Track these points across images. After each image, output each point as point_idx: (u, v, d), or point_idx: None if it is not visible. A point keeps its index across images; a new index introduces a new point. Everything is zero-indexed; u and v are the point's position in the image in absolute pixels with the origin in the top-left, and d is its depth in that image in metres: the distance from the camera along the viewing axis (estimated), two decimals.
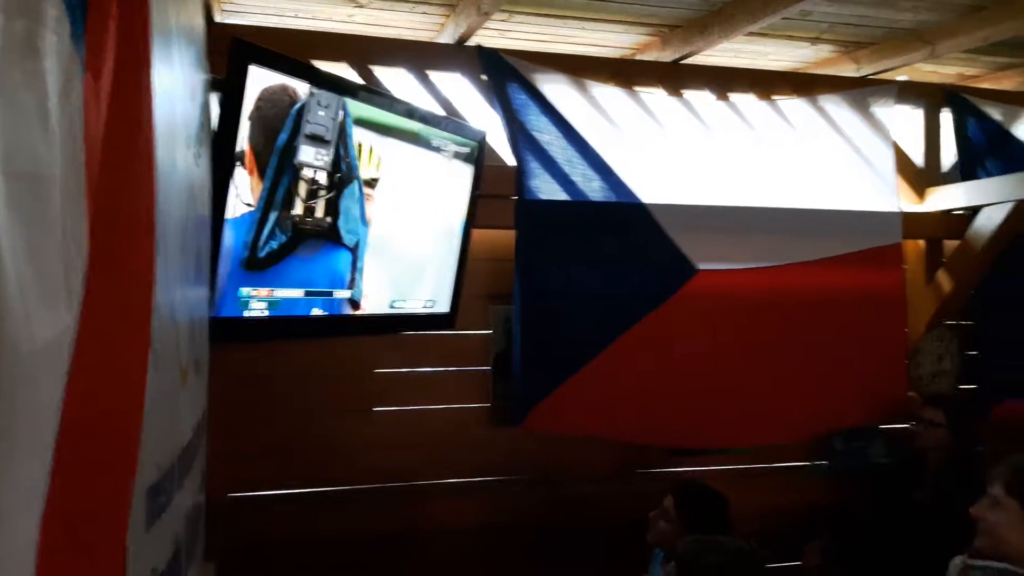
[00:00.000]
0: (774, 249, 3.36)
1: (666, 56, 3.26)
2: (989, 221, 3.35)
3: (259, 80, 2.09)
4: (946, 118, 3.74)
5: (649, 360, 3.20)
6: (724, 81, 3.39)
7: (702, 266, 3.25)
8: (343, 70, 2.91)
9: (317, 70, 2.52)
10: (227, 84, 2.05)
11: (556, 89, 3.17)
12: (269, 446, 2.89)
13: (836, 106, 3.49)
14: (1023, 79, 3.73)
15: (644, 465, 3.31)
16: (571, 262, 3.13)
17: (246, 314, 2.20)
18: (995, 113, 3.75)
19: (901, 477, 3.23)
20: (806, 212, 3.39)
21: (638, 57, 3.33)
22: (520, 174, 3.10)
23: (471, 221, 2.98)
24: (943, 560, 2.07)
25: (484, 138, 2.98)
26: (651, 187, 3.22)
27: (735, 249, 3.31)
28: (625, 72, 3.29)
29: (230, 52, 2.03)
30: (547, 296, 3.09)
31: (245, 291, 2.17)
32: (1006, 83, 3.79)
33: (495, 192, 3.09)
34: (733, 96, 3.41)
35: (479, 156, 2.95)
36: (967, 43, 3.14)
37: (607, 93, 3.25)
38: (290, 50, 2.30)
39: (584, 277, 3.15)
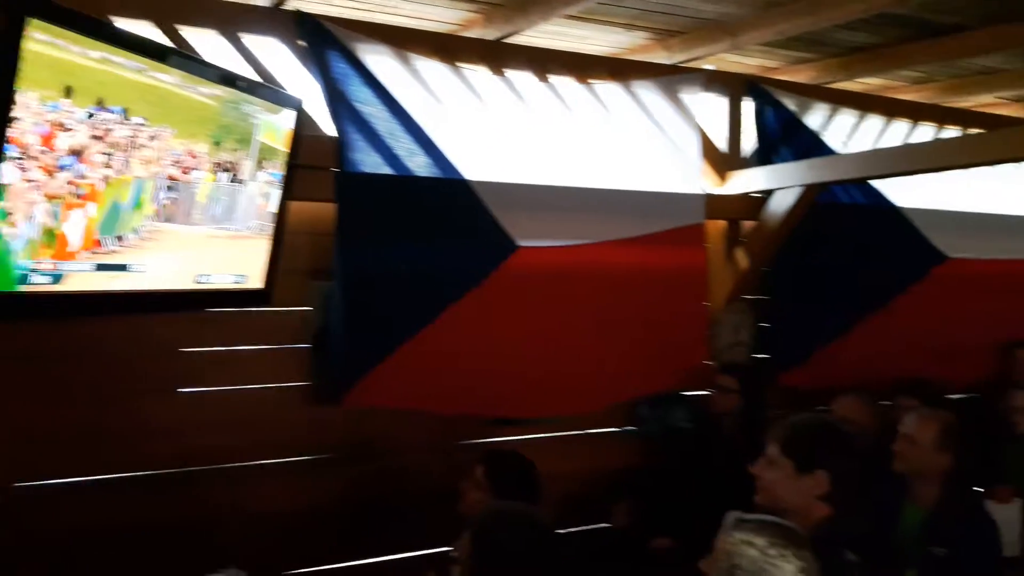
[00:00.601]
0: (589, 227, 3.50)
1: (489, 34, 3.29)
2: (781, 204, 3.65)
3: None
4: (748, 106, 4.02)
5: (472, 334, 3.24)
6: (544, 62, 3.46)
7: (522, 243, 3.33)
8: (147, 29, 2.71)
9: (114, 28, 2.35)
10: (1, 39, 1.87)
11: (378, 60, 3.12)
12: (62, 431, 2.68)
13: (648, 92, 3.66)
14: (815, 73, 4.06)
15: (465, 437, 3.37)
16: (393, 237, 3.10)
17: (28, 289, 2.03)
18: (790, 104, 4.07)
19: (700, 440, 3.49)
20: (619, 193, 3.56)
21: (462, 34, 3.34)
22: (340, 145, 3.03)
23: (287, 193, 2.89)
24: None
25: (301, 106, 2.89)
26: (474, 164, 3.25)
27: (553, 227, 3.42)
28: (449, 48, 3.29)
29: (5, 3, 1.86)
30: (368, 271, 3.05)
31: (26, 262, 2.00)
32: (801, 76, 4.11)
33: (314, 163, 3.01)
34: (553, 78, 3.49)
35: (296, 125, 2.86)
36: (766, 36, 3.38)
37: (431, 68, 3.23)
38: (86, 6, 2.11)
39: (406, 253, 3.13)
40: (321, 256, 3.06)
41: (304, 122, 2.93)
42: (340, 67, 3.05)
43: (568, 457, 3.51)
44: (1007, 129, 4.25)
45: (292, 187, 2.90)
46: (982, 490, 2.87)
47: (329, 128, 3.06)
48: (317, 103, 3.03)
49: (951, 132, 4.61)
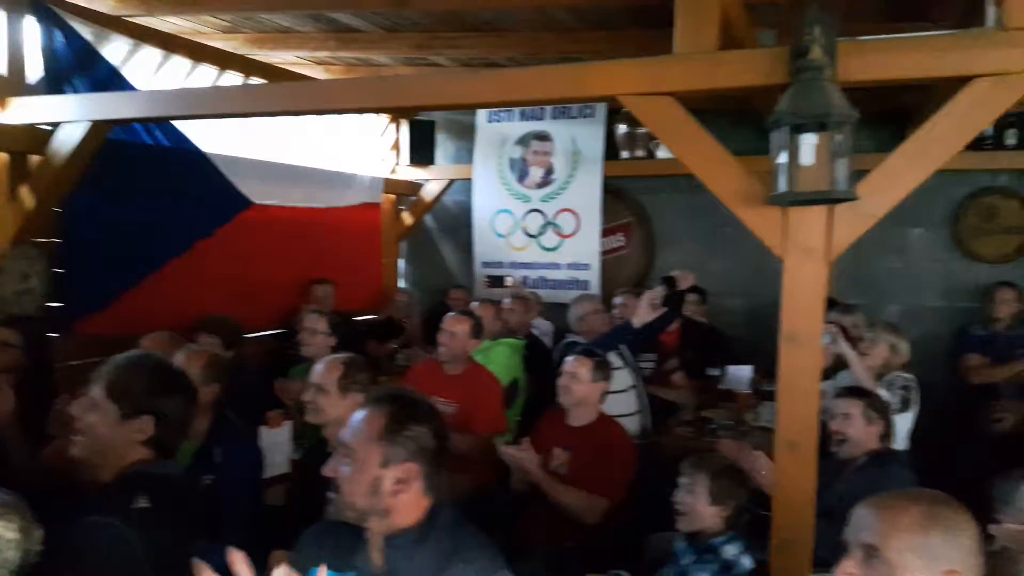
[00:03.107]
0: None
1: None
2: (68, 138, 3.35)
3: None
4: (34, 28, 3.57)
5: None
6: None
7: None
8: None
9: None
10: None
11: None
12: None
13: None
14: (115, 3, 3.81)
15: None
16: None
17: None
18: (85, 32, 3.75)
19: None
20: None
21: None
22: None
23: None
24: None
25: None
26: None
27: None
28: None
29: None
30: None
31: None
32: (99, 4, 3.82)
33: None
34: None
35: None
36: None
37: None
38: None
39: None
40: None
41: None
42: None
43: None
44: (297, 83, 4.70)
45: None
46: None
47: None
48: None
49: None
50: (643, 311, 3.93)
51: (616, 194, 5.83)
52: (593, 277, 5.66)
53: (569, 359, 3.26)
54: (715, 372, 4.73)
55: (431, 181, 6.21)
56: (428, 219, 6.46)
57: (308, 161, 5.26)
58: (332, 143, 5.58)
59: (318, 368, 2.62)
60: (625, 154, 5.66)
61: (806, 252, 2.34)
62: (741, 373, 4.49)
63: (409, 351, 5.12)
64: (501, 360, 4.20)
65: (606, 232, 5.76)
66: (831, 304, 4.51)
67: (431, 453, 1.60)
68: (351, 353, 2.73)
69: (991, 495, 3.02)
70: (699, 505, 2.46)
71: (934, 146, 2.24)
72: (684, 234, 5.79)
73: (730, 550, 2.42)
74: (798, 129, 2.14)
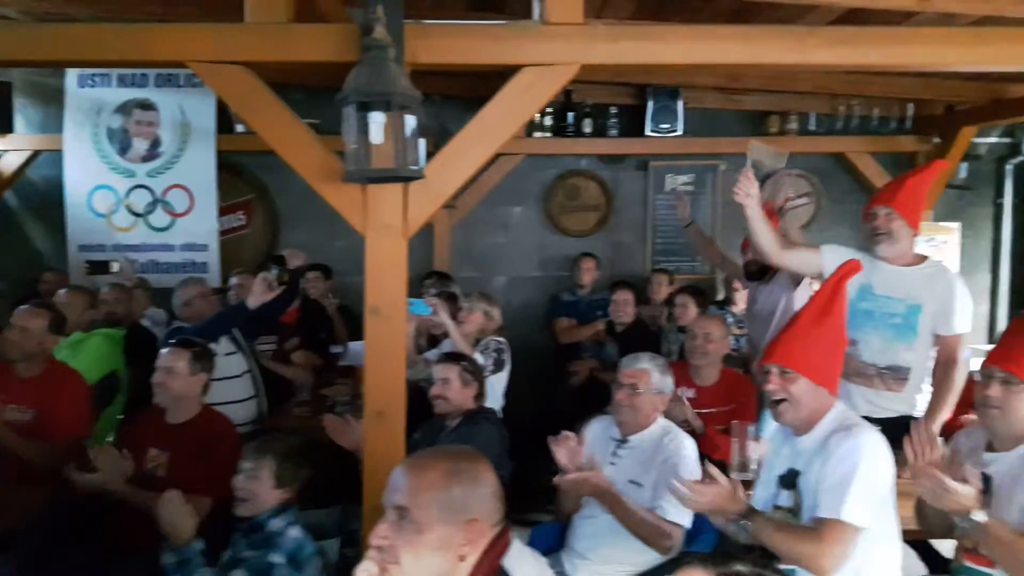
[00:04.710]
0: None
1: None
2: None
3: None
4: None
5: None
6: None
7: None
8: None
9: None
10: None
11: None
12: None
13: None
14: None
15: None
16: None
17: None
18: None
19: None
20: None
21: None
22: None
23: None
24: None
25: None
26: None
27: None
28: None
29: None
30: None
31: None
32: None
33: None
34: None
35: None
36: None
37: None
38: None
39: None
40: None
41: None
42: None
43: None
44: None
45: None
46: None
47: None
48: None
49: None
50: (257, 292, 3.80)
51: (234, 170, 5.56)
52: (212, 259, 5.35)
53: (163, 352, 3.02)
54: (338, 349, 4.75)
55: (10, 152, 5.37)
56: (9, 196, 5.57)
57: None
58: None
59: None
60: (240, 128, 5.39)
61: (385, 228, 2.42)
62: (361, 348, 4.55)
63: None
64: (93, 353, 3.77)
65: (224, 210, 5.49)
66: (441, 276, 4.80)
67: None
68: None
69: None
70: (261, 489, 2.35)
71: (491, 129, 2.43)
72: (309, 212, 5.68)
73: (276, 523, 2.34)
74: (365, 107, 2.18)
